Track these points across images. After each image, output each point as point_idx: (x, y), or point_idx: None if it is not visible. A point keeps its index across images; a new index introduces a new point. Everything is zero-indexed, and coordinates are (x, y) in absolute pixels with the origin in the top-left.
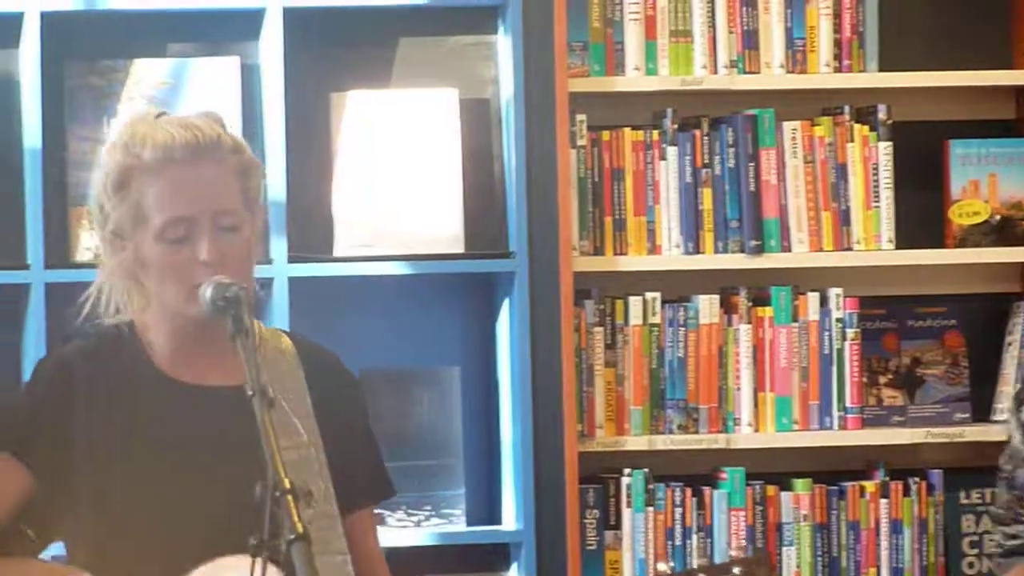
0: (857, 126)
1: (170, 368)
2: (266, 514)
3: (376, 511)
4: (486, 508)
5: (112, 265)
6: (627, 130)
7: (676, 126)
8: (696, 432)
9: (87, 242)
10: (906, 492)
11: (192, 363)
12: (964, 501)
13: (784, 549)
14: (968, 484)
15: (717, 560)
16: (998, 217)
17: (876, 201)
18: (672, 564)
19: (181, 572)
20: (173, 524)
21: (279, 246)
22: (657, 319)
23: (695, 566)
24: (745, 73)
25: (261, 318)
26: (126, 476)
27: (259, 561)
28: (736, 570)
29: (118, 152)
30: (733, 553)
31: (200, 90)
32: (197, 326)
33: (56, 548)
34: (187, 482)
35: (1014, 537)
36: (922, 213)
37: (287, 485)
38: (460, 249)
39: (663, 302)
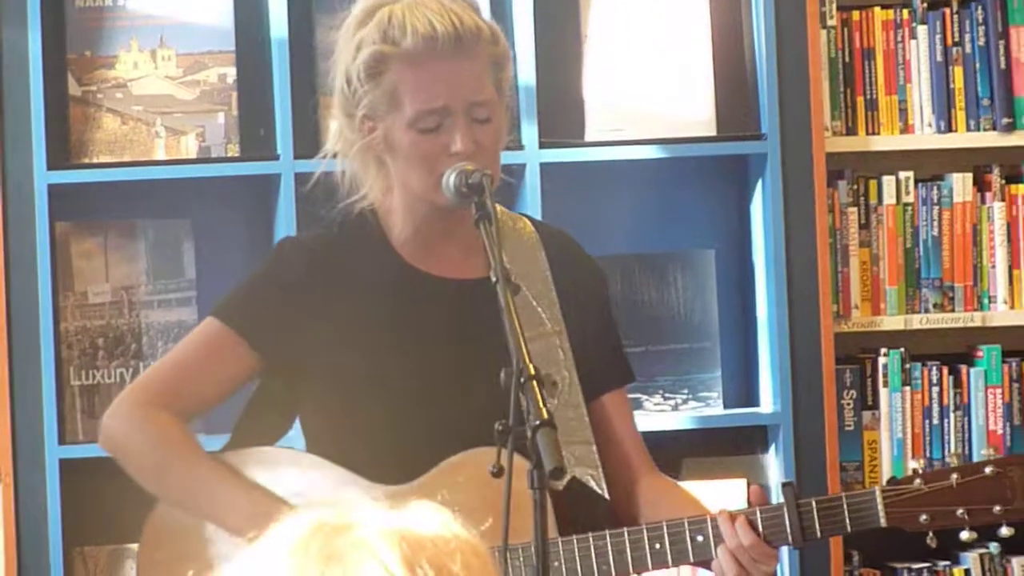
0: None
1: (412, 257)
2: (512, 400)
3: (631, 396)
4: (743, 391)
5: (359, 145)
6: (877, 9)
7: (926, 5)
8: (952, 310)
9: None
10: None
11: (434, 254)
12: None
13: None
14: None
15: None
16: None
17: None
18: (924, 460)
19: (422, 465)
20: (410, 415)
21: (530, 131)
22: (911, 198)
23: (949, 464)
24: None
25: (512, 205)
26: (363, 364)
27: (504, 449)
28: (988, 469)
29: (374, 35)
30: (985, 452)
31: None
32: (440, 215)
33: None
34: (426, 372)
35: None
36: None
37: (532, 371)
38: (711, 132)
39: (916, 181)
